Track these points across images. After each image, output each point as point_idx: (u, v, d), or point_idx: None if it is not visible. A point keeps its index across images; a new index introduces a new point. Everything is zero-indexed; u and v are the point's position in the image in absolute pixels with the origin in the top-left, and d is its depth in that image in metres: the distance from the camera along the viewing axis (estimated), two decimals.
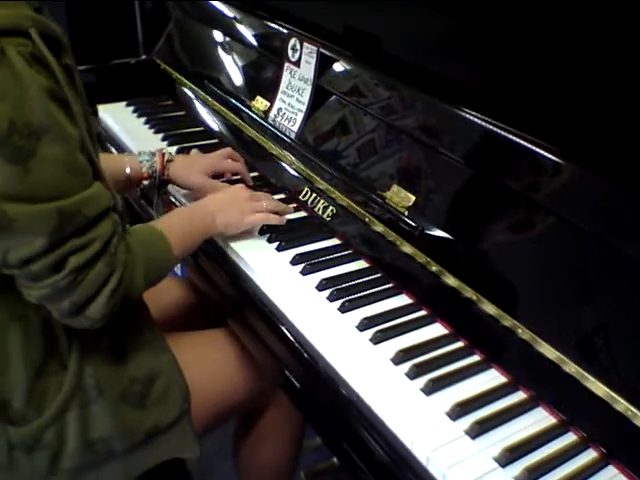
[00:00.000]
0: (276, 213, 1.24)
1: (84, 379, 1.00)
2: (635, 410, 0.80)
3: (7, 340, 0.95)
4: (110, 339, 1.02)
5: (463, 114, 1.09)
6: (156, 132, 1.67)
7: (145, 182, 1.35)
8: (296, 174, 1.37)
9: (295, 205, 1.33)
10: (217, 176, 1.38)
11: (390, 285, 1.11)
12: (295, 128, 1.42)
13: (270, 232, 1.23)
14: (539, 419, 0.87)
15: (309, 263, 1.14)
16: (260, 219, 1.22)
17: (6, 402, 0.96)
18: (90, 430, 1.00)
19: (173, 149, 1.57)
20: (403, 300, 1.08)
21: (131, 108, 1.81)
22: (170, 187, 1.40)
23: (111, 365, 1.02)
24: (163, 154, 1.35)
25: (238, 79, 1.67)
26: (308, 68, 1.39)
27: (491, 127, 1.04)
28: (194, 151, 1.49)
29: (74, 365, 0.98)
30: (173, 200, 1.40)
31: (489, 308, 0.97)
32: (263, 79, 1.59)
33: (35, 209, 0.82)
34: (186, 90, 1.80)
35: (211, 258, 1.24)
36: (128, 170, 1.32)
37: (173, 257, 1.05)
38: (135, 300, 0.99)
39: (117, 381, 1.03)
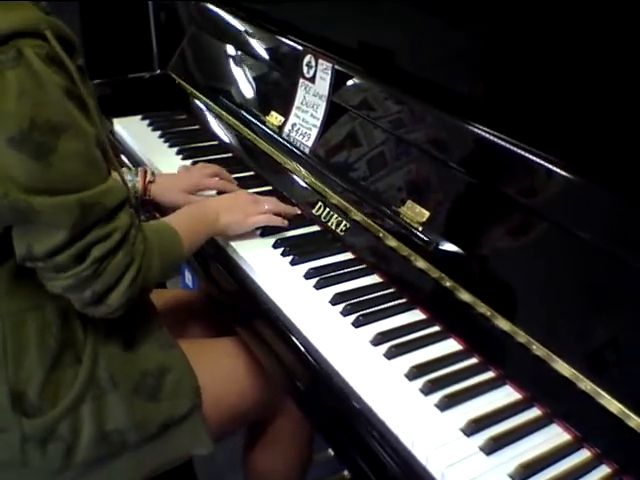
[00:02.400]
0: (279, 215, 1.29)
1: (98, 371, 1.01)
2: None
3: (23, 331, 0.97)
4: (122, 334, 1.05)
5: (477, 130, 1.09)
6: (171, 146, 1.69)
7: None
8: (310, 189, 1.38)
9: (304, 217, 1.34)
10: None
11: (404, 300, 1.11)
12: (309, 143, 1.43)
13: (284, 246, 1.24)
14: (553, 436, 0.87)
15: (323, 277, 1.15)
16: (262, 220, 1.27)
17: (21, 393, 0.98)
18: (104, 422, 1.01)
19: (188, 162, 1.58)
20: (417, 315, 1.08)
21: (146, 122, 1.82)
22: None
23: (123, 358, 1.05)
24: (145, 173, 1.37)
25: (252, 94, 1.69)
26: (323, 84, 1.40)
27: (504, 143, 1.05)
28: (181, 167, 1.50)
29: (88, 357, 1.01)
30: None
31: (503, 324, 0.97)
32: (277, 94, 1.60)
33: (58, 200, 0.86)
34: (200, 104, 1.82)
35: (223, 270, 1.25)
36: None
37: (184, 250, 1.09)
38: (151, 288, 1.05)
39: (130, 374, 1.05)
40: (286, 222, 1.29)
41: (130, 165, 1.41)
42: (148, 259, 0.98)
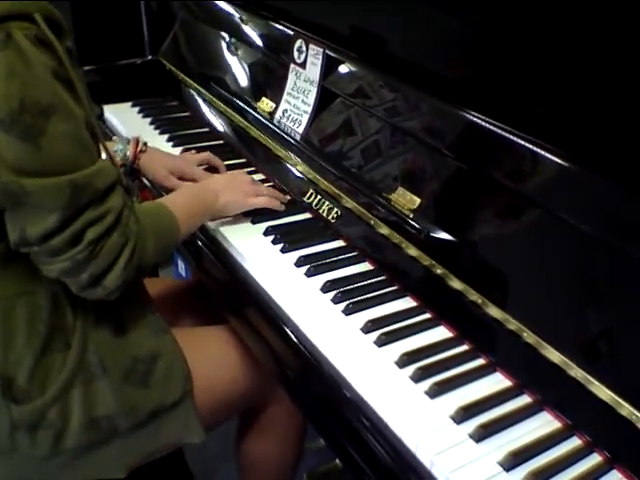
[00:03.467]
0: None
1: (88, 357, 1.01)
2: None
3: (13, 315, 0.97)
4: (113, 319, 1.05)
5: (469, 116, 1.09)
6: (161, 133, 1.68)
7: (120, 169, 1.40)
8: (301, 176, 1.37)
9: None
10: None
11: (395, 288, 1.11)
12: (300, 130, 1.42)
13: (274, 233, 1.23)
14: (544, 423, 0.87)
15: (313, 265, 1.14)
16: (263, 202, 1.27)
17: (10, 379, 0.97)
18: (94, 408, 1.01)
19: (178, 149, 1.57)
20: (408, 303, 1.08)
21: (137, 109, 1.81)
22: None
23: (114, 344, 1.04)
24: (137, 143, 1.40)
25: (243, 80, 1.67)
26: (314, 70, 1.39)
27: (497, 129, 1.04)
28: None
29: (78, 342, 1.00)
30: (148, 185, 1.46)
31: (494, 311, 0.96)
32: (268, 80, 1.59)
33: (49, 182, 0.86)
34: (191, 91, 1.80)
35: (215, 258, 1.24)
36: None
37: (180, 230, 1.08)
38: (147, 270, 1.04)
39: (120, 360, 1.04)
40: (282, 207, 1.30)
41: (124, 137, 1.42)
42: (142, 240, 0.98)
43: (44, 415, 0.98)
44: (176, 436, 1.10)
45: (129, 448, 1.06)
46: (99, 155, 0.95)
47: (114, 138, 1.41)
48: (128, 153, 1.38)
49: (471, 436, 0.84)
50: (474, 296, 0.99)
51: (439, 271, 1.05)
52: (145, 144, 1.41)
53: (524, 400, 0.90)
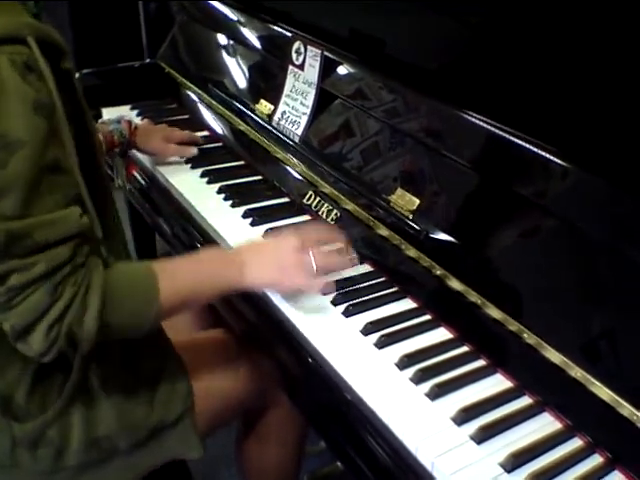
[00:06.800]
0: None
1: (89, 377, 0.99)
2: None
3: (7, 338, 0.94)
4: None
5: (468, 117, 1.08)
6: None
7: (116, 150, 1.46)
8: (300, 177, 1.37)
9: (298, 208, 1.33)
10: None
11: (394, 289, 1.11)
12: (299, 131, 1.42)
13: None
14: (545, 424, 0.87)
15: None
16: (303, 287, 1.04)
17: (9, 398, 0.96)
18: (94, 428, 1.00)
19: None
20: (408, 304, 1.08)
21: (135, 111, 1.81)
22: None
23: (116, 363, 1.02)
24: (129, 122, 1.46)
25: (242, 82, 1.67)
26: (312, 71, 1.39)
27: (496, 130, 1.04)
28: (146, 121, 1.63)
29: (79, 362, 0.96)
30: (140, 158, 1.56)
31: (494, 312, 0.96)
32: (267, 82, 1.59)
33: None
34: (190, 93, 1.80)
35: None
36: (101, 138, 1.38)
37: (155, 307, 0.90)
38: (87, 347, 0.87)
39: (122, 379, 1.03)
40: (334, 288, 1.07)
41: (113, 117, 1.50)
42: (81, 307, 0.84)
43: (44, 433, 0.97)
44: (175, 452, 1.09)
45: (129, 465, 1.05)
46: (102, 191, 0.89)
47: (105, 119, 1.47)
48: (125, 131, 1.43)
49: (472, 438, 0.83)
50: (474, 297, 0.99)
51: (439, 272, 1.05)
52: (131, 120, 1.48)
53: (525, 401, 0.90)
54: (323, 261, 1.02)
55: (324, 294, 1.06)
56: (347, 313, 1.04)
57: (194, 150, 1.52)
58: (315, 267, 1.01)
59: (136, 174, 1.58)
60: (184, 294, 0.95)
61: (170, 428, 1.06)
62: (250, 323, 1.15)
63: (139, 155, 1.55)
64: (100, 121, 1.47)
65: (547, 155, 0.96)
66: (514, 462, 0.80)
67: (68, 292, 0.83)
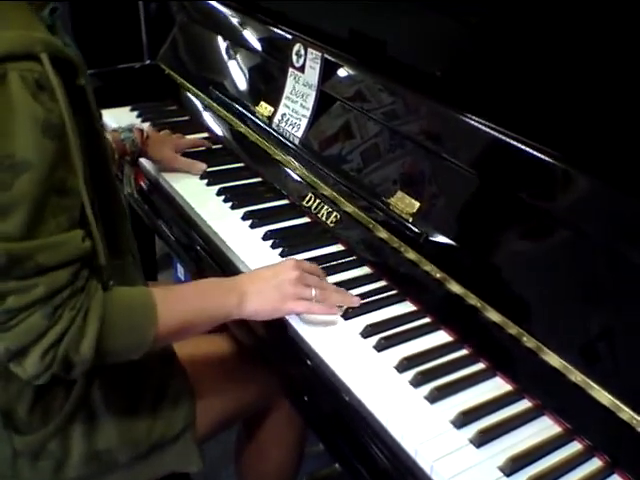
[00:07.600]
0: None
1: (92, 392, 0.99)
2: None
3: None
4: None
5: (468, 120, 1.08)
6: None
7: (127, 158, 1.46)
8: (300, 180, 1.37)
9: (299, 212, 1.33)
10: None
11: (394, 292, 1.11)
12: (299, 134, 1.42)
13: (274, 238, 1.23)
14: (544, 428, 0.87)
15: None
16: (302, 308, 1.02)
17: (11, 411, 0.96)
18: (95, 442, 1.00)
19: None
20: (407, 307, 1.08)
21: (135, 113, 1.81)
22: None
23: (120, 379, 1.02)
24: (141, 130, 1.46)
25: (242, 84, 1.67)
26: (312, 74, 1.39)
27: (496, 133, 1.04)
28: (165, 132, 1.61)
29: (82, 377, 0.96)
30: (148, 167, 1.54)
31: (494, 316, 0.96)
32: (267, 84, 1.59)
33: None
34: (190, 95, 1.80)
35: (214, 264, 1.24)
36: (113, 146, 1.39)
37: (152, 335, 0.89)
38: (80, 372, 0.87)
39: (126, 395, 1.03)
40: (337, 311, 1.04)
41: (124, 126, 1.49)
42: (78, 332, 0.83)
43: (45, 446, 0.97)
44: (175, 466, 1.09)
45: (129, 478, 1.05)
46: (82, 221, 0.85)
47: (116, 127, 1.45)
48: (136, 140, 1.43)
49: (471, 441, 0.83)
50: (474, 300, 0.99)
51: (438, 275, 1.05)
52: (143, 129, 1.47)
53: (524, 405, 0.90)
54: (323, 294, 1.03)
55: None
56: (346, 316, 1.04)
57: (204, 166, 1.47)
58: (314, 295, 1.02)
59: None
60: (183, 323, 0.95)
61: (171, 443, 1.06)
62: (250, 328, 1.14)
63: (141, 160, 1.54)
64: (111, 129, 1.46)
65: (547, 158, 0.96)
66: (513, 466, 0.80)
67: (66, 316, 0.82)
